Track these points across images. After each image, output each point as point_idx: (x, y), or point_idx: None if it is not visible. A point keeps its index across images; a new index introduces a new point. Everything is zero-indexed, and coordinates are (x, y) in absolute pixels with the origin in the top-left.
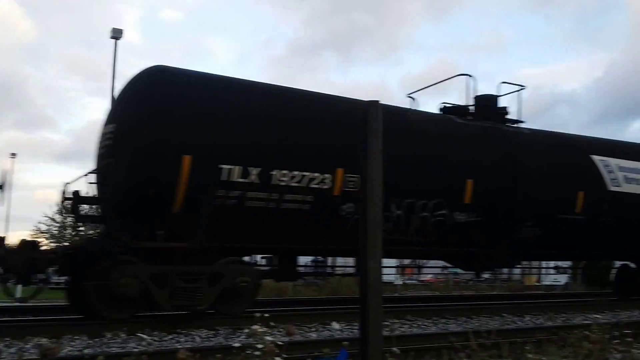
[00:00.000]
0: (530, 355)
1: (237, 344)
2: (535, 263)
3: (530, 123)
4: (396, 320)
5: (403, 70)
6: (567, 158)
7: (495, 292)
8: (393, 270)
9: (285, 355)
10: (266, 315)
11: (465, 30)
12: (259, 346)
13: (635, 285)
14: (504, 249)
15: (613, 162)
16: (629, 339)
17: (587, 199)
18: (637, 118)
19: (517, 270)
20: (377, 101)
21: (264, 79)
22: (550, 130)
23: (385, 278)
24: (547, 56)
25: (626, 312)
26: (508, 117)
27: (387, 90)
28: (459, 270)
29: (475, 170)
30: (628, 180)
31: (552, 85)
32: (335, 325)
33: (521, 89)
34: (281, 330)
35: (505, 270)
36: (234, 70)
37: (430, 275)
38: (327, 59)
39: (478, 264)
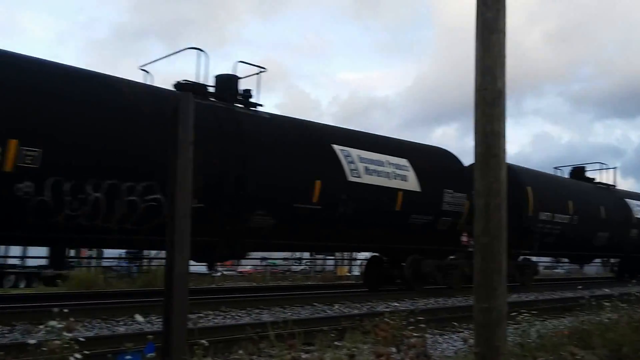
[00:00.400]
0: (336, 343)
1: (33, 341)
2: (347, 254)
3: (348, 124)
4: (210, 312)
5: (230, 65)
6: (306, 146)
7: (309, 283)
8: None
9: (87, 352)
10: (65, 310)
11: (291, 31)
12: (57, 342)
13: (385, 276)
14: (231, 238)
15: (354, 152)
16: (423, 325)
17: (325, 188)
18: (440, 125)
19: (330, 262)
20: (190, 93)
21: (83, 62)
22: (297, 117)
23: (203, 270)
24: (364, 63)
25: (423, 299)
26: (252, 100)
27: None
28: (276, 262)
29: (198, 152)
30: (369, 171)
31: (368, 90)
32: (140, 318)
33: (261, 72)
34: (86, 324)
35: (319, 262)
36: (50, 50)
37: (249, 267)
38: (152, 47)
39: (204, 254)
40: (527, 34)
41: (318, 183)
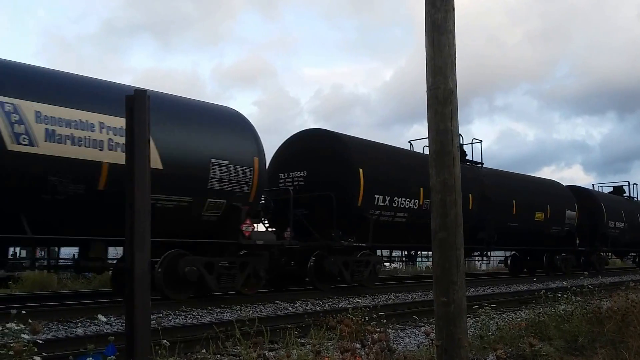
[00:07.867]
0: (300, 340)
1: None
2: None
3: (329, 122)
4: (170, 312)
5: (217, 62)
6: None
7: None
8: None
9: (45, 354)
10: (23, 312)
11: (285, 27)
12: (17, 345)
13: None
14: None
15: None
16: (384, 321)
17: None
18: (415, 121)
19: None
20: (145, 91)
21: (71, 58)
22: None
23: None
24: (333, 59)
25: (383, 295)
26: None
27: (200, 79)
28: None
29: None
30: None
31: (350, 87)
32: (102, 318)
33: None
34: (43, 327)
35: None
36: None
37: None
38: (144, 43)
39: None
40: (510, 34)
41: None
